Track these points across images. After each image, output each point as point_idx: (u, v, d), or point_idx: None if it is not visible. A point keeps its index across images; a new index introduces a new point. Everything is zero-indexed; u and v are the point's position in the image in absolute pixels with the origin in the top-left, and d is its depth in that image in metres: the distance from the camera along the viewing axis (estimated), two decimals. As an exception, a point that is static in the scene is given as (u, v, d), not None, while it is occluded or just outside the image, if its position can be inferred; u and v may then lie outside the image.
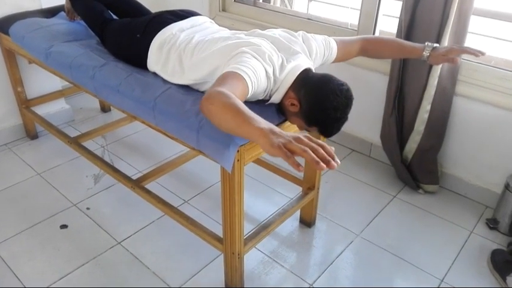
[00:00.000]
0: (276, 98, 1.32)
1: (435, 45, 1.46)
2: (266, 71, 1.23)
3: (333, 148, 0.90)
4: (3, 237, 1.75)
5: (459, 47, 1.44)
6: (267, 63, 1.24)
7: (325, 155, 0.87)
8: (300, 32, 1.44)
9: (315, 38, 1.45)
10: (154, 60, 1.54)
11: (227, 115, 1.00)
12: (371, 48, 1.56)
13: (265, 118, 1.27)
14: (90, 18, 1.86)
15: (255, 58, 1.22)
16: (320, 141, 0.90)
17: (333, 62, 1.53)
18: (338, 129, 1.27)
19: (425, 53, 1.47)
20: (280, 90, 1.30)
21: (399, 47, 1.54)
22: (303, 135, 0.92)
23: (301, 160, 0.89)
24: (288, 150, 0.88)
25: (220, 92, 1.04)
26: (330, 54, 1.48)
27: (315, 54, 1.42)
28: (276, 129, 0.94)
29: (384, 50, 1.58)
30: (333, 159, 0.87)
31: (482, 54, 1.41)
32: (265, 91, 1.29)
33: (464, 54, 1.44)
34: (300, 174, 1.80)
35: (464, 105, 1.93)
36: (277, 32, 1.43)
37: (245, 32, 1.47)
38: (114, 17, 1.88)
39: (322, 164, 0.85)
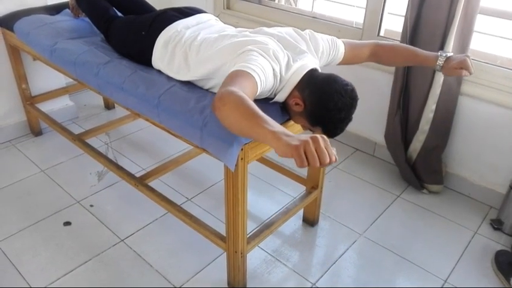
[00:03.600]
0: (280, 97, 1.31)
1: (449, 54, 1.40)
2: (273, 69, 1.23)
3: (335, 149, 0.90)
4: (7, 233, 1.76)
5: (468, 58, 1.38)
6: (274, 61, 1.24)
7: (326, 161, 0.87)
8: (307, 31, 1.43)
9: (321, 37, 1.44)
10: (159, 57, 1.53)
11: (240, 117, 0.99)
12: (383, 54, 1.51)
13: (269, 116, 1.28)
14: (94, 16, 1.86)
15: (262, 56, 1.22)
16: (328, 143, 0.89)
17: (340, 63, 1.52)
18: (342, 129, 1.26)
19: (439, 63, 1.41)
20: (285, 90, 1.29)
21: (413, 54, 1.48)
22: (321, 136, 0.89)
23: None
24: (304, 153, 0.86)
25: (233, 92, 1.03)
26: (336, 54, 1.47)
27: (321, 53, 1.41)
28: (290, 132, 0.93)
29: (397, 57, 1.52)
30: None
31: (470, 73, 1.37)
32: (271, 89, 1.28)
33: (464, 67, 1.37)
34: (303, 173, 1.80)
35: (470, 104, 1.92)
36: (284, 30, 1.42)
37: (251, 29, 1.47)
38: (119, 14, 1.88)
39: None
